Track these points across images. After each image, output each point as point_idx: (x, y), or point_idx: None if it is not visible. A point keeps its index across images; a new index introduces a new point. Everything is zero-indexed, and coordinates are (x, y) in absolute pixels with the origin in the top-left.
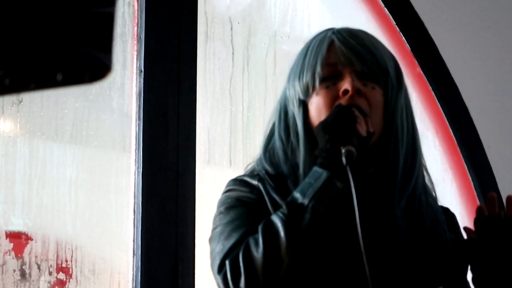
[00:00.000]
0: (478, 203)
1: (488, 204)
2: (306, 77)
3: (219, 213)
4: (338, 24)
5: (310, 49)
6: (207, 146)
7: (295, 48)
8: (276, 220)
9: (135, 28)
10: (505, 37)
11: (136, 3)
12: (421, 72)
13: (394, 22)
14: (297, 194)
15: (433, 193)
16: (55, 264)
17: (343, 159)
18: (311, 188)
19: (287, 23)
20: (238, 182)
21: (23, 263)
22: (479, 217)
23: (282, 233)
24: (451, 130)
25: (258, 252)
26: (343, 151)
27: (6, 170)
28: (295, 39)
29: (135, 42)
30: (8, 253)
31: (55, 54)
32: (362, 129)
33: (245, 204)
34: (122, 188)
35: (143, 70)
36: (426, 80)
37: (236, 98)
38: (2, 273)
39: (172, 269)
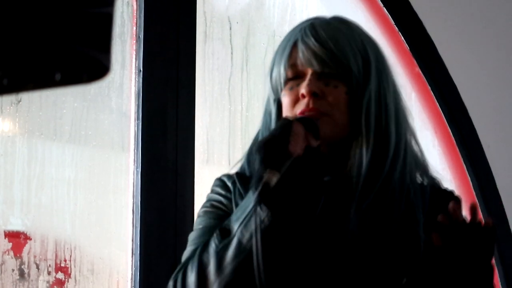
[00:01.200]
0: (477, 202)
1: (453, 211)
2: (275, 77)
3: (198, 215)
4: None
5: (281, 47)
6: (206, 146)
7: None
8: (211, 246)
9: (134, 28)
10: (504, 37)
11: (135, 3)
12: (420, 71)
13: (393, 22)
14: (232, 218)
15: (431, 175)
16: (54, 263)
17: (258, 189)
18: (240, 212)
19: (286, 23)
20: (218, 182)
21: (22, 263)
22: (444, 221)
23: (211, 263)
24: (450, 130)
25: (190, 279)
26: (263, 179)
27: (5, 170)
28: None
29: (134, 42)
30: (7, 252)
31: (53, 54)
32: (296, 148)
33: (215, 211)
34: (121, 188)
35: (142, 70)
36: (424, 79)
37: (235, 98)
38: (1, 272)
39: (171, 269)
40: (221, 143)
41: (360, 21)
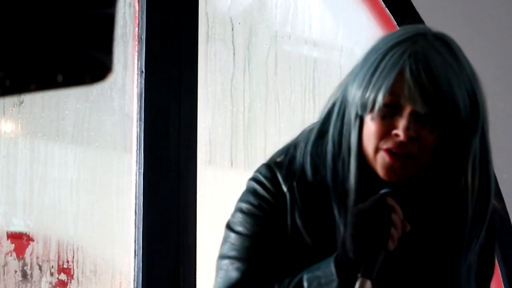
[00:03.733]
0: None
1: None
2: (368, 96)
3: (240, 210)
4: (340, 24)
5: (383, 65)
6: (208, 147)
7: (296, 48)
8: None
9: (136, 29)
10: (506, 38)
11: (137, 4)
12: None
13: (395, 23)
14: (304, 283)
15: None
16: (56, 265)
17: None
18: (317, 283)
19: (288, 24)
20: (270, 176)
21: (24, 264)
22: None
23: None
24: None
25: None
26: (357, 282)
27: (8, 171)
28: (296, 39)
29: (136, 42)
30: (9, 254)
31: (56, 55)
32: (394, 241)
33: (263, 216)
34: (123, 189)
35: (144, 70)
36: None
37: (237, 99)
38: (4, 274)
39: (174, 270)
40: (223, 144)
41: (362, 22)
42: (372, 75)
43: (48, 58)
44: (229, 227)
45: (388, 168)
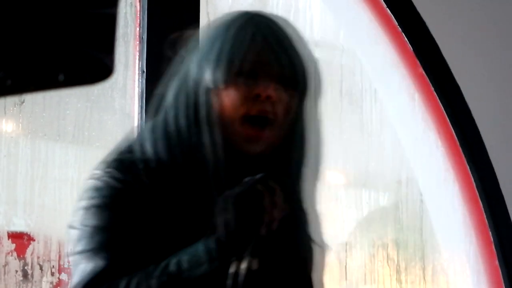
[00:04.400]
0: (480, 203)
1: None
2: (221, 67)
3: (82, 209)
4: (341, 25)
5: (228, 38)
6: None
7: None
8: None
9: (137, 29)
10: (507, 37)
11: (138, 4)
12: (423, 72)
13: (396, 23)
14: (183, 264)
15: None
16: (57, 264)
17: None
18: (194, 263)
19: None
20: (119, 170)
21: (25, 264)
22: None
23: None
24: (453, 131)
25: None
26: (231, 268)
27: (8, 171)
28: None
29: (137, 42)
30: (10, 253)
31: (57, 54)
32: (270, 225)
33: (112, 206)
34: None
35: (145, 70)
36: (428, 80)
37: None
38: (5, 273)
39: None
40: None
41: (363, 22)
42: (220, 47)
43: (49, 58)
44: (71, 226)
45: (250, 139)
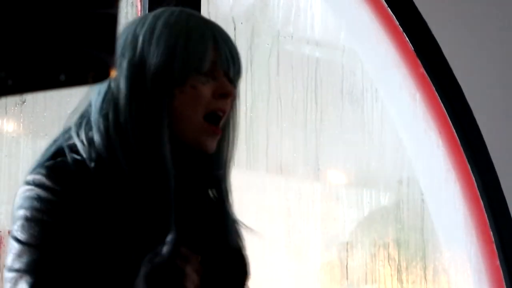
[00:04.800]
0: (482, 203)
1: None
2: (183, 67)
3: (24, 218)
4: (342, 24)
5: (184, 38)
6: None
7: (298, 48)
8: None
9: None
10: (508, 37)
11: (139, 4)
12: (424, 72)
13: (397, 22)
14: None
15: None
16: None
17: None
18: None
19: (290, 24)
20: (55, 178)
21: None
22: None
23: None
24: (454, 131)
25: None
26: None
27: (9, 171)
28: (298, 39)
29: None
30: None
31: (58, 54)
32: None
33: (53, 221)
34: None
35: None
36: (429, 80)
37: (239, 98)
38: None
39: None
40: None
41: (364, 21)
42: (176, 48)
43: (50, 58)
44: (13, 237)
45: (211, 136)
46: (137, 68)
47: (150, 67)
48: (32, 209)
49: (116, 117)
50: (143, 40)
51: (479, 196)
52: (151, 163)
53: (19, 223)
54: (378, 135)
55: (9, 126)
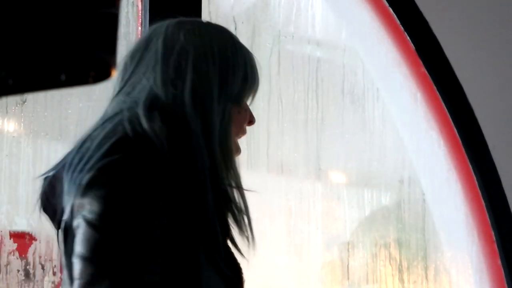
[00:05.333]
0: (483, 203)
1: None
2: (246, 89)
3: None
4: (343, 24)
5: (248, 58)
6: None
7: (299, 48)
8: None
9: (139, 28)
10: (509, 36)
11: (140, 3)
12: (426, 71)
13: (398, 22)
14: None
15: None
16: (59, 264)
17: None
18: None
19: (291, 23)
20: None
21: (27, 263)
22: None
23: None
24: (455, 130)
25: None
26: None
27: (10, 170)
28: (299, 39)
29: None
30: (12, 253)
31: (59, 54)
32: None
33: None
34: None
35: None
36: (430, 79)
37: None
38: (6, 273)
39: None
40: None
41: (365, 21)
42: (249, 67)
43: (50, 58)
44: (90, 222)
45: (237, 155)
46: (225, 73)
47: (227, 86)
48: (119, 191)
49: (183, 116)
50: (220, 59)
51: (480, 196)
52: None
53: (99, 207)
54: (379, 134)
55: (10, 125)
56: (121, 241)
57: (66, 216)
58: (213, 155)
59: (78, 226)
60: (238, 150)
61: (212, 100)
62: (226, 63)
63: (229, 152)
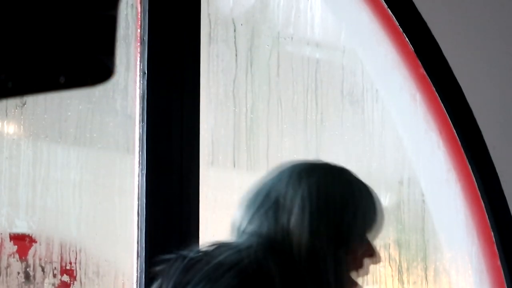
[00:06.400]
0: (482, 204)
1: None
2: (362, 233)
3: None
4: (342, 25)
5: (372, 208)
6: (210, 148)
7: (298, 49)
8: None
9: (138, 30)
10: (508, 38)
11: (139, 5)
12: (424, 72)
13: (397, 23)
14: None
15: None
16: (59, 266)
17: None
18: None
19: (291, 25)
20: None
21: (27, 266)
22: None
23: None
24: (454, 131)
25: None
26: None
27: (10, 173)
28: (298, 40)
29: (138, 44)
30: (12, 255)
31: (58, 56)
32: None
33: None
34: (126, 190)
35: (146, 72)
36: (429, 81)
37: (239, 100)
38: (6, 275)
39: None
40: (226, 145)
41: (364, 22)
42: (369, 218)
43: (50, 60)
44: None
45: None
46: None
47: (341, 228)
48: None
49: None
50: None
51: (480, 197)
52: None
53: None
54: (379, 135)
55: (10, 128)
56: None
57: None
58: None
59: None
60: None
61: (325, 246)
62: (346, 211)
63: None
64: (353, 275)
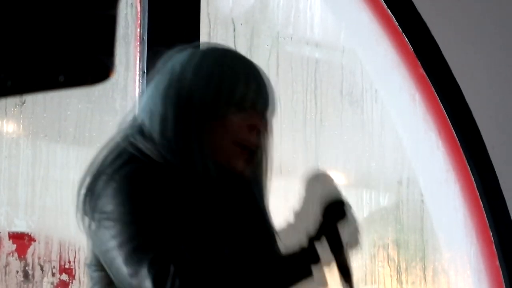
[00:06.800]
0: (481, 203)
1: None
2: (223, 101)
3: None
4: (341, 25)
5: (227, 73)
6: None
7: (298, 49)
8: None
9: (138, 30)
10: (508, 38)
11: (138, 5)
12: (424, 72)
13: (396, 23)
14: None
15: None
16: (58, 265)
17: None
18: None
19: (290, 25)
20: (148, 178)
21: (26, 264)
22: None
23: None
24: (453, 131)
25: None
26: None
27: (10, 172)
28: (298, 40)
29: (138, 43)
30: (11, 254)
31: (58, 56)
32: None
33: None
34: None
35: (146, 71)
36: (428, 81)
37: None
38: (5, 274)
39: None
40: None
41: (364, 22)
42: (225, 84)
43: (49, 59)
44: (110, 218)
45: (239, 162)
46: (184, 100)
47: (196, 100)
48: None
49: (163, 134)
50: (192, 77)
51: (479, 197)
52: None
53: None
54: (378, 135)
55: (9, 127)
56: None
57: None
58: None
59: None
60: (235, 155)
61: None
62: (208, 83)
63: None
64: (241, 144)
